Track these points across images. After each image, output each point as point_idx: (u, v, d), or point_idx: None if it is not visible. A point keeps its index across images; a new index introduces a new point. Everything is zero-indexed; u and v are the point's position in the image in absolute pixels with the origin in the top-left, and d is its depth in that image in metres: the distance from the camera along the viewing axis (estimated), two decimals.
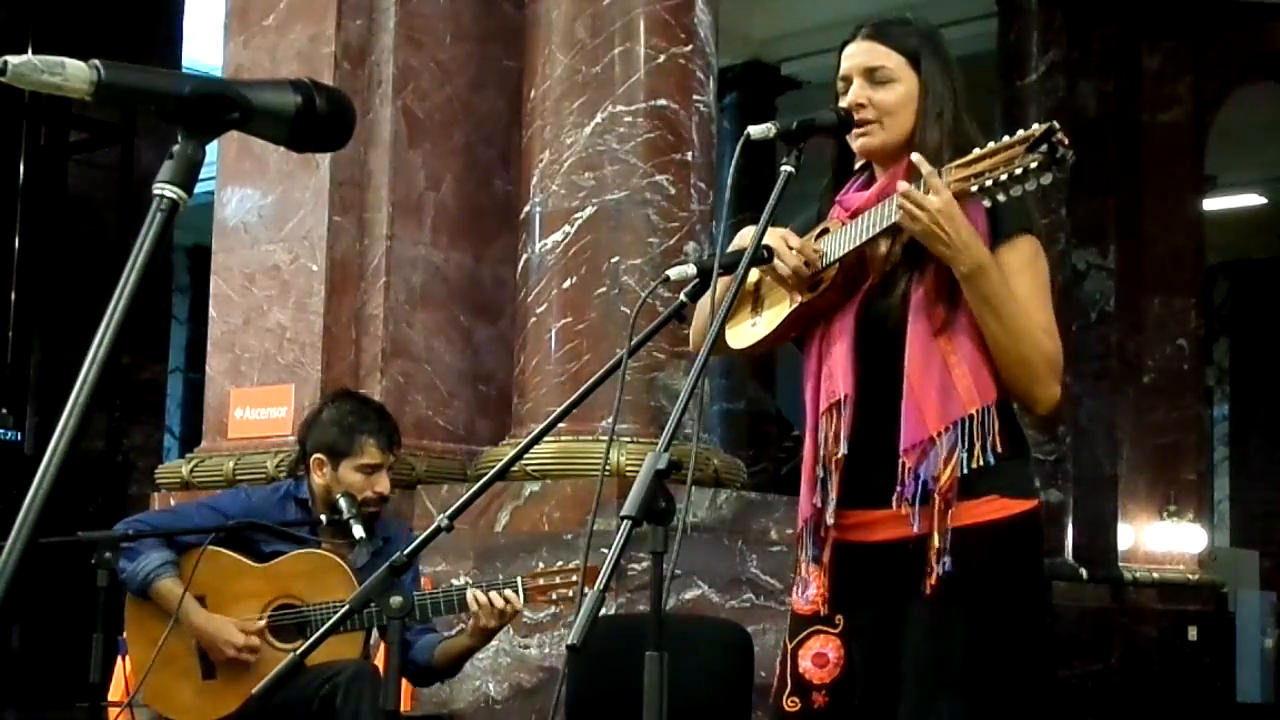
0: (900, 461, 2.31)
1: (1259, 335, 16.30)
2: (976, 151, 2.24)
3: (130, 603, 3.55)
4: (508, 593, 3.29)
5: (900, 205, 2.27)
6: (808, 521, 2.42)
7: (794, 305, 2.44)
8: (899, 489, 2.31)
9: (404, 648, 3.16)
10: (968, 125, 2.45)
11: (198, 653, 3.52)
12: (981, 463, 2.28)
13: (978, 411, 2.30)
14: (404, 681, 3.76)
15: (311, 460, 3.60)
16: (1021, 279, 2.36)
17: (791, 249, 2.39)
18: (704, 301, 2.45)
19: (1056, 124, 2.16)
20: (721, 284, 2.30)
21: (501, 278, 5.31)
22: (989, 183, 2.19)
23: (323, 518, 3.53)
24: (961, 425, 2.30)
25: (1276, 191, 14.52)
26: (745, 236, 2.45)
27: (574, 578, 3.30)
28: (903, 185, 2.27)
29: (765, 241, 2.37)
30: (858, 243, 2.36)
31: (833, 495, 2.38)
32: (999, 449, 2.30)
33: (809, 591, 2.45)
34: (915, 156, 2.29)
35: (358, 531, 3.44)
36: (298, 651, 2.41)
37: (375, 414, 3.68)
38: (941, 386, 2.31)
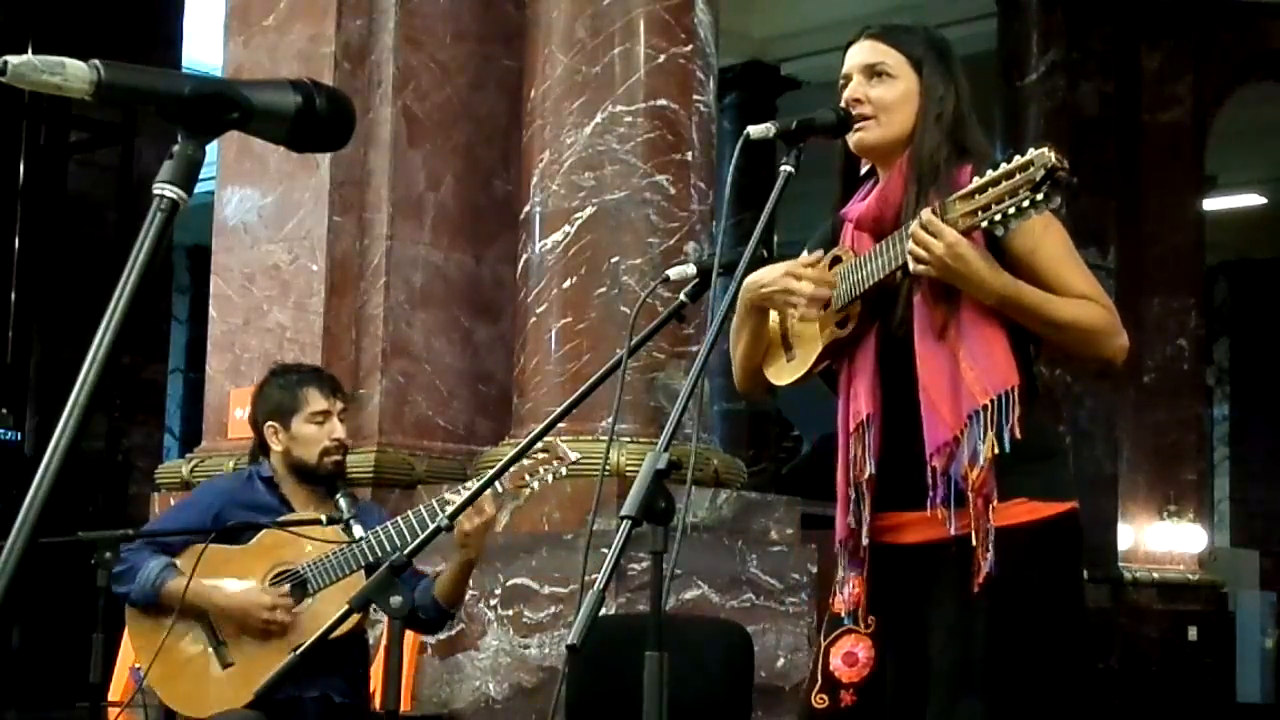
0: (929, 466, 2.31)
1: (1259, 335, 16.28)
2: (977, 181, 2.22)
3: (131, 617, 3.54)
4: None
5: (910, 252, 2.27)
6: (844, 542, 2.45)
7: (826, 340, 2.45)
8: (931, 493, 2.31)
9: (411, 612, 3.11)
10: (971, 128, 2.44)
11: (209, 644, 3.51)
12: (998, 451, 2.27)
13: (990, 402, 2.28)
14: (404, 681, 3.76)
15: (265, 431, 3.63)
16: (1041, 255, 2.35)
17: (800, 278, 2.41)
18: (734, 348, 2.55)
19: (1054, 157, 2.09)
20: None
21: (501, 278, 5.31)
22: (997, 217, 2.18)
23: (323, 517, 3.53)
24: (976, 418, 2.29)
25: (1276, 191, 14.51)
26: (768, 272, 2.47)
27: (543, 454, 3.30)
28: (911, 226, 2.27)
29: (772, 292, 2.40)
30: (870, 283, 2.37)
31: (866, 514, 2.39)
32: (1017, 436, 2.27)
33: (846, 591, 2.47)
34: (925, 214, 2.27)
35: (358, 531, 3.45)
36: (297, 652, 2.42)
37: (311, 369, 3.82)
38: (954, 384, 2.31)
